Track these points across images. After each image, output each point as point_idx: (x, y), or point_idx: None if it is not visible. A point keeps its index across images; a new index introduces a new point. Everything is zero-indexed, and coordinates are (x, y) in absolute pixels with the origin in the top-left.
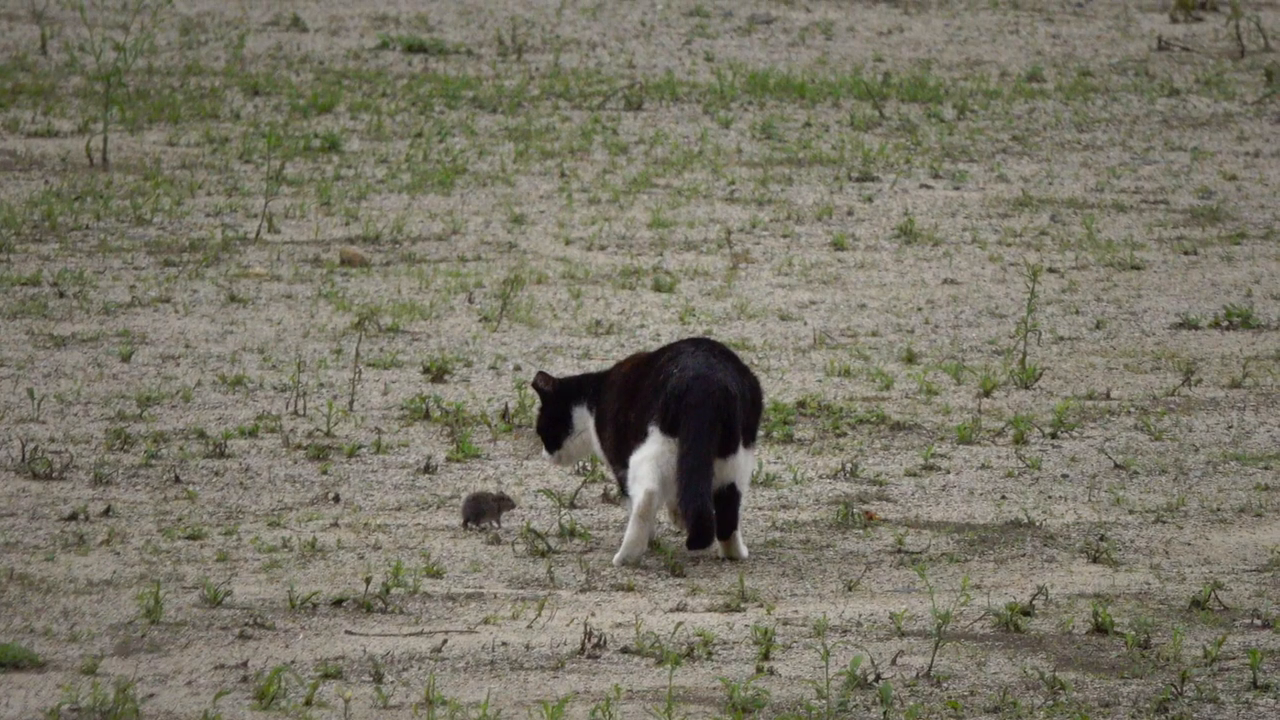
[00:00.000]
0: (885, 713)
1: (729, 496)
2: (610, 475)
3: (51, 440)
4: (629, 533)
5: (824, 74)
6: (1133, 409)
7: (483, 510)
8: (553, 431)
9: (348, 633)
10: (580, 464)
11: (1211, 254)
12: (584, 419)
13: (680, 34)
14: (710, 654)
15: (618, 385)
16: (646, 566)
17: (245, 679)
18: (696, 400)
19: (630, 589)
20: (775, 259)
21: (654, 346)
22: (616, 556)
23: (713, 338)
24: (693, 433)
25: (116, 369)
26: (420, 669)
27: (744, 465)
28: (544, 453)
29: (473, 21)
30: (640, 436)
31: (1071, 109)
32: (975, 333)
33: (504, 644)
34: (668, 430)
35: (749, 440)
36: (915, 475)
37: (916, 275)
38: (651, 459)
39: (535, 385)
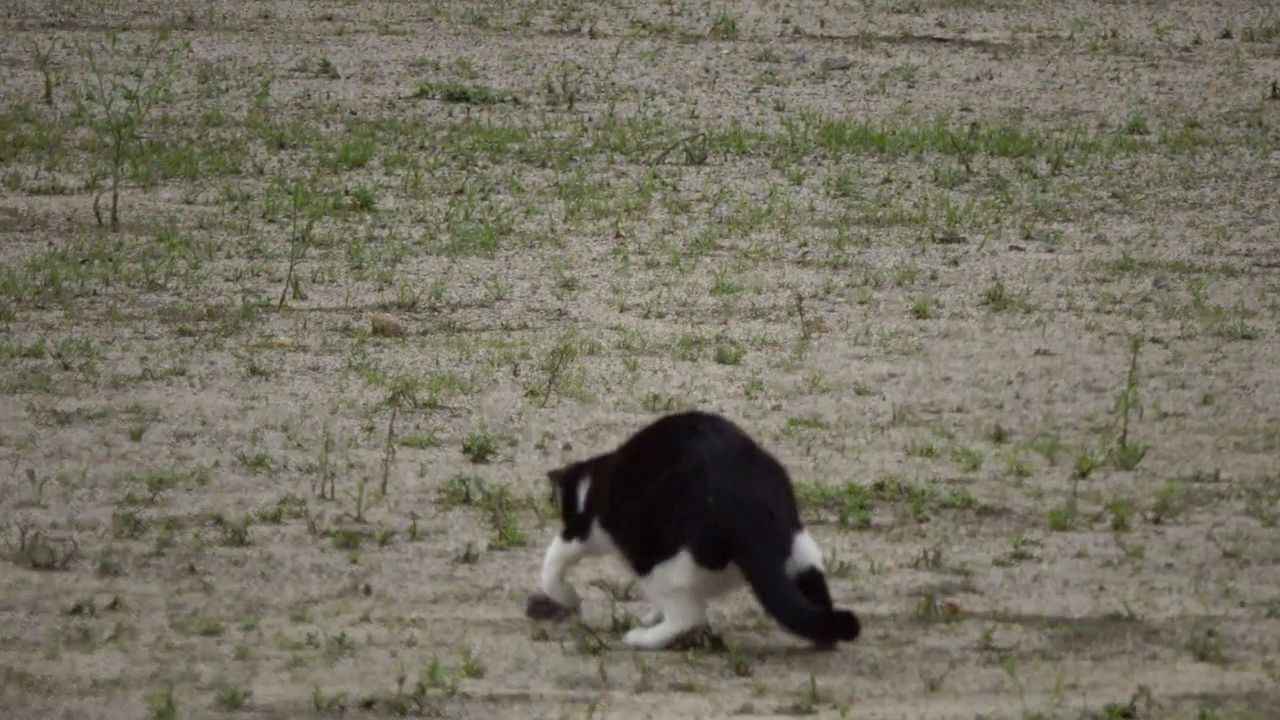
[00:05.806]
0: None
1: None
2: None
3: (54, 526)
4: (659, 639)
5: (905, 125)
6: (1243, 492)
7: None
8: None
9: None
10: None
11: None
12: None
13: (748, 81)
14: None
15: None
16: (708, 664)
17: None
18: (745, 528)
19: (690, 689)
20: (851, 327)
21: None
22: (649, 640)
23: (705, 412)
24: (754, 556)
25: (126, 448)
26: None
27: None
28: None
29: (519, 67)
30: (667, 551)
31: (1177, 163)
32: (1070, 408)
33: None
34: (711, 564)
35: (797, 526)
36: (1004, 564)
37: (1006, 345)
38: (690, 592)
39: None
